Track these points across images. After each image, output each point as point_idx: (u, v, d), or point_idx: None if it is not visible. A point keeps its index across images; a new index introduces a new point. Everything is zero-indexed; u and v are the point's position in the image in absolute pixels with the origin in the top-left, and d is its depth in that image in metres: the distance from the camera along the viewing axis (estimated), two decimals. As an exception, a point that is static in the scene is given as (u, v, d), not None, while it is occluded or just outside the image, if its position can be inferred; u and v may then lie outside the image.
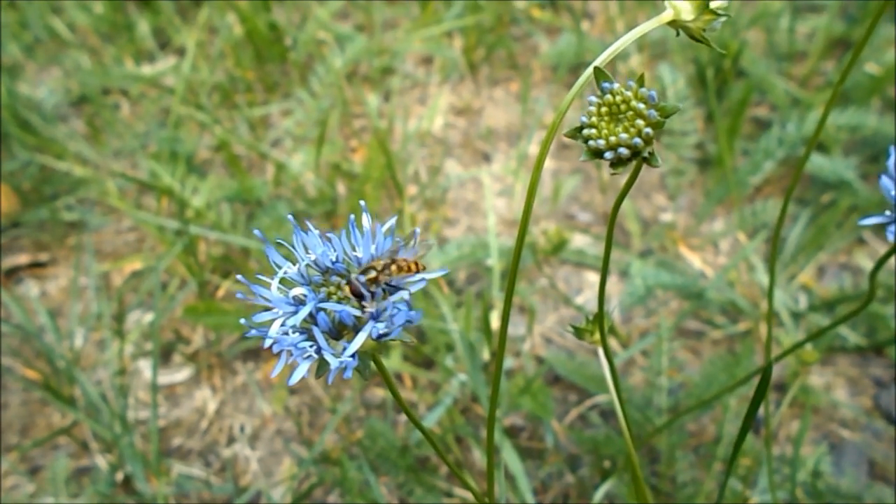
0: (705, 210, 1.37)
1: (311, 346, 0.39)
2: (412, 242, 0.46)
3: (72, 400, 1.22)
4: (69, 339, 1.31)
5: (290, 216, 0.46)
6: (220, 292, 1.38)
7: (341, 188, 1.53)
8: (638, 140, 0.43)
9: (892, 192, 0.45)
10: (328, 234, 0.44)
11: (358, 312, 0.41)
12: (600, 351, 0.61)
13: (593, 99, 0.45)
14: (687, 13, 0.48)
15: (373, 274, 0.42)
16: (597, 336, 0.59)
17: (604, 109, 0.44)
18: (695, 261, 1.33)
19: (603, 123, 0.44)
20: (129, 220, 1.51)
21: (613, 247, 1.40)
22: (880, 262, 0.52)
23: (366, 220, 0.45)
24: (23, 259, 1.47)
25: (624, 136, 0.43)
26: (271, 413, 1.25)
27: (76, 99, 1.77)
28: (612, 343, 1.24)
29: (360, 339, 0.39)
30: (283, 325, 0.40)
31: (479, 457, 1.13)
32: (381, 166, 1.29)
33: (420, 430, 0.53)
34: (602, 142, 0.44)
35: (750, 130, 1.55)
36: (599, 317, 0.58)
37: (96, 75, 1.74)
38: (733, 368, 1.14)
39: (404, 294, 0.43)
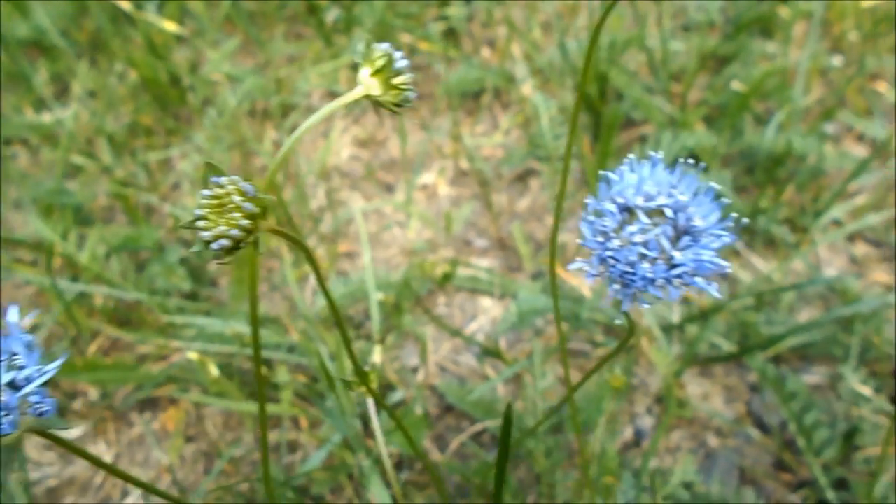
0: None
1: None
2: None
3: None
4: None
5: None
6: (106, 344, 1.38)
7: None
8: (236, 231, 0.46)
9: (582, 241, 0.49)
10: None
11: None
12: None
13: (206, 192, 0.47)
14: (375, 89, 0.51)
15: None
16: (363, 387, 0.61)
17: (214, 202, 0.47)
18: (573, 282, 1.37)
19: (213, 215, 0.47)
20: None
21: (506, 270, 1.44)
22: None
23: (12, 315, 0.48)
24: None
25: (223, 227, 0.46)
26: (168, 463, 1.25)
27: (-27, 152, 1.75)
28: (501, 366, 1.27)
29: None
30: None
31: (372, 492, 1.14)
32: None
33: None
34: (208, 233, 0.46)
35: (642, 150, 1.60)
36: (360, 372, 0.60)
37: (-7, 127, 1.73)
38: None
39: (41, 382, 0.46)
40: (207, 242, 0.46)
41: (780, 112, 1.45)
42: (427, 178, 1.64)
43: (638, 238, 0.46)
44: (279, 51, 1.87)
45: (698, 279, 0.46)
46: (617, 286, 0.47)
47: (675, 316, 1.25)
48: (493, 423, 1.18)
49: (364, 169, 1.71)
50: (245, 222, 0.46)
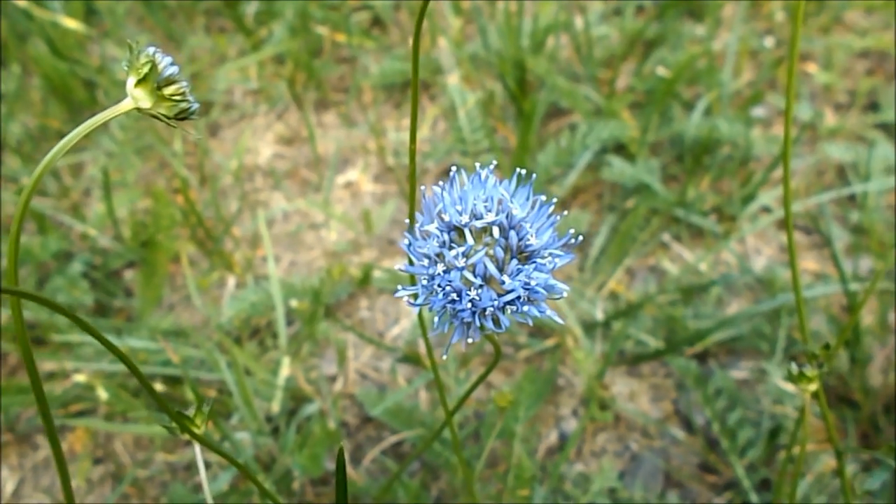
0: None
1: None
2: None
3: None
4: None
5: None
6: (14, 362, 1.30)
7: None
8: None
9: (402, 267, 0.43)
10: None
11: None
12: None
13: None
14: (144, 101, 0.45)
15: None
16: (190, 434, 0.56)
17: None
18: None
19: None
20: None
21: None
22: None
23: None
24: None
25: None
26: (75, 487, 1.18)
27: None
28: (421, 373, 1.22)
29: None
30: None
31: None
32: (169, 215, 1.23)
33: None
34: None
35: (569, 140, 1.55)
36: (174, 416, 0.55)
37: None
38: (538, 387, 1.13)
39: None
40: None
41: (706, 96, 1.42)
42: (351, 175, 1.57)
43: (461, 262, 0.40)
44: (199, 46, 1.79)
45: (530, 308, 0.41)
46: (443, 317, 0.42)
47: (600, 313, 1.21)
48: (412, 434, 1.13)
49: (289, 167, 1.64)
50: None
